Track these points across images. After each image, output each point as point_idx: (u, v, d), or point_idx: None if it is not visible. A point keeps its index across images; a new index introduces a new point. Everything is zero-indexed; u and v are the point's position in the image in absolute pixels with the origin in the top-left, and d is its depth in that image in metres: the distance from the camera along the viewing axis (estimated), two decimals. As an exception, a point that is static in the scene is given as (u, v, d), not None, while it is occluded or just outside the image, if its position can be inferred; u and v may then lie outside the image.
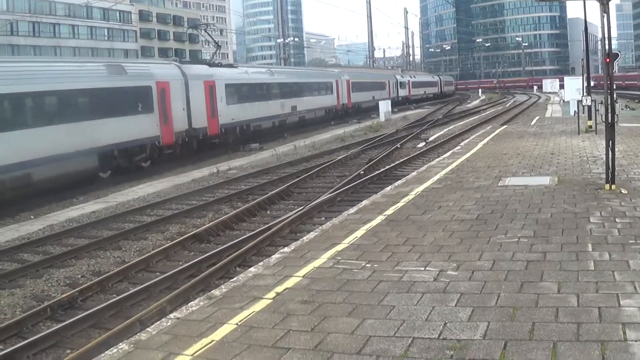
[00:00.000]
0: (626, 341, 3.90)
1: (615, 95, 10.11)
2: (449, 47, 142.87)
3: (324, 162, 18.01)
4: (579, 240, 6.42)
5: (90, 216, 12.61)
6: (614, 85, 10.11)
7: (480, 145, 17.22)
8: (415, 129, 29.00)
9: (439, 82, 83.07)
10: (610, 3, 9.50)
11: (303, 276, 5.81)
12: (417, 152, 19.30)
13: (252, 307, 5.06)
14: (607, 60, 9.52)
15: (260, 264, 6.49)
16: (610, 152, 9.26)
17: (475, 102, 61.90)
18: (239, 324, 4.71)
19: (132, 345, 4.44)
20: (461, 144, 18.50)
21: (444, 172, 12.21)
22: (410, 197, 9.64)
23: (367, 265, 6.02)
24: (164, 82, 20.37)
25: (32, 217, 13.14)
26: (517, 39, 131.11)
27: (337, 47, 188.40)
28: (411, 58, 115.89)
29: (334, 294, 5.24)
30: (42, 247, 10.31)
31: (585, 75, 20.90)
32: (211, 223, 10.63)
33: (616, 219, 7.23)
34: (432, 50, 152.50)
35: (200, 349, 4.29)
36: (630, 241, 6.22)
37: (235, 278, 6.08)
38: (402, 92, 60.86)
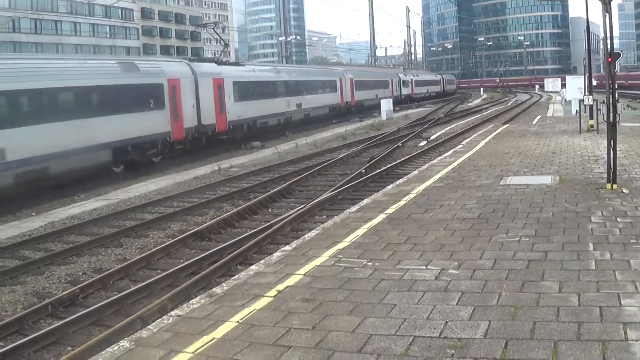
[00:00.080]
0: (627, 341, 3.90)
1: (617, 95, 10.10)
2: (451, 46, 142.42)
3: (325, 161, 18.01)
4: (580, 240, 6.42)
5: (91, 213, 12.61)
6: (616, 84, 10.10)
7: (481, 144, 17.21)
8: (416, 127, 28.96)
9: (441, 80, 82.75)
10: (612, 2, 9.49)
11: (304, 274, 5.82)
12: (419, 151, 19.26)
13: (253, 305, 5.07)
14: (609, 59, 9.53)
15: (262, 262, 6.49)
16: (611, 152, 9.26)
17: (477, 101, 61.85)
18: (240, 321, 4.71)
19: (133, 343, 4.45)
20: (463, 142, 18.47)
21: (445, 170, 12.20)
22: (411, 195, 9.64)
23: (369, 263, 6.02)
24: (175, 79, 20.58)
25: (33, 214, 13.15)
26: (519, 38, 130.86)
27: (339, 45, 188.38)
28: (413, 56, 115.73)
29: (335, 292, 5.25)
30: (43, 244, 10.32)
31: (587, 74, 20.89)
32: (212, 221, 10.63)
33: (617, 219, 7.23)
34: (434, 48, 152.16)
35: (202, 346, 4.29)
36: (631, 241, 6.22)
37: (236, 276, 6.08)
38: (405, 91, 60.73)
